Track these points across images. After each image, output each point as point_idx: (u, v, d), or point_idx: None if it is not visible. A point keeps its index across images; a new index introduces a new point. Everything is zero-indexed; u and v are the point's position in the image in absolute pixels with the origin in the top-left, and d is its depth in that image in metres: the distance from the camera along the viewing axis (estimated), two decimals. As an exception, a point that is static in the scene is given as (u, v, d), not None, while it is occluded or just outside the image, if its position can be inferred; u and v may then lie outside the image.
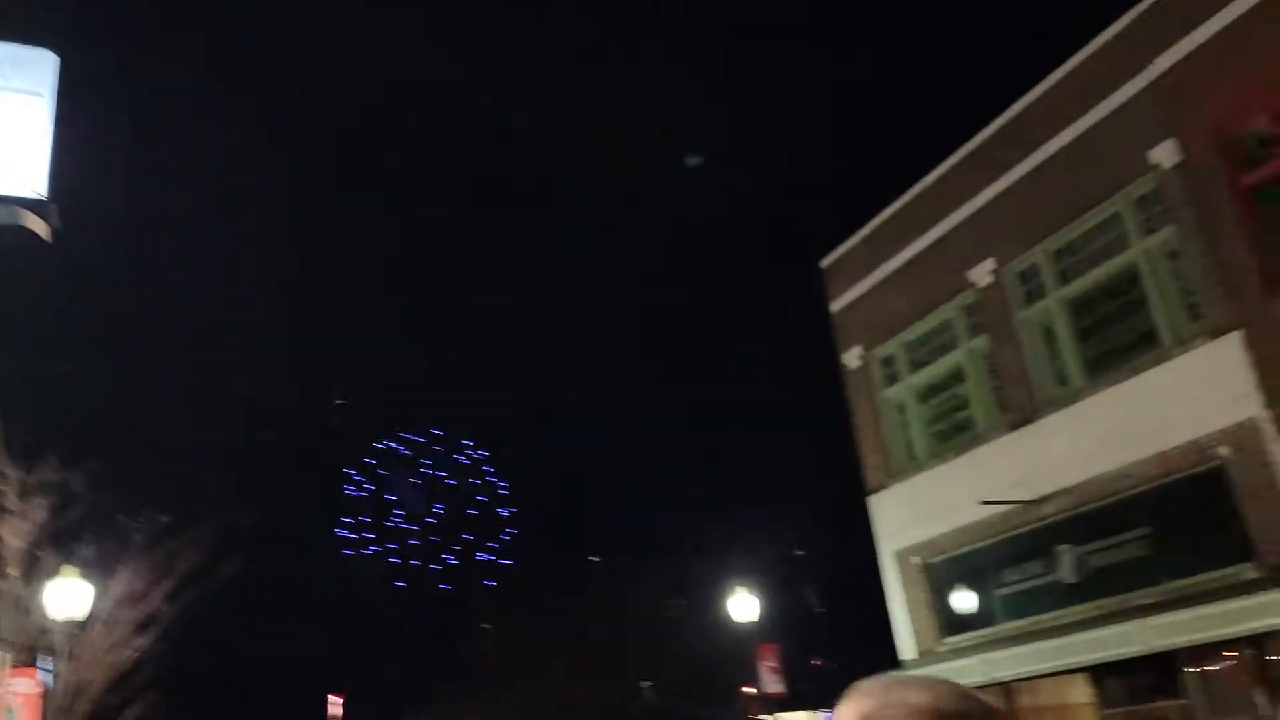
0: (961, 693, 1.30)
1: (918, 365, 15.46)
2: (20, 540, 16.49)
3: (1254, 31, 10.72)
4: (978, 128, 14.47)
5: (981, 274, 14.03)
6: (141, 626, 19.03)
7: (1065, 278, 13.01)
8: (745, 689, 30.28)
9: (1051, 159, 13.15)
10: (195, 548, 19.63)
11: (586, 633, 35.02)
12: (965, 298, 14.41)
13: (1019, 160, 13.59)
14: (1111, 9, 12.51)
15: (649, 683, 35.60)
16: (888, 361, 16.02)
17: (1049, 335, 13.26)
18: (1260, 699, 10.04)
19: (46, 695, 16.26)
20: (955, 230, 14.65)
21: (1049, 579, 12.64)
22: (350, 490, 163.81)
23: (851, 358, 16.59)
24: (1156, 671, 11.12)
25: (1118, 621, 11.34)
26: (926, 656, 14.31)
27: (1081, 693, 12.09)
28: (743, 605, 21.42)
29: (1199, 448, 10.91)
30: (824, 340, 17.49)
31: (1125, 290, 12.29)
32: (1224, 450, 10.68)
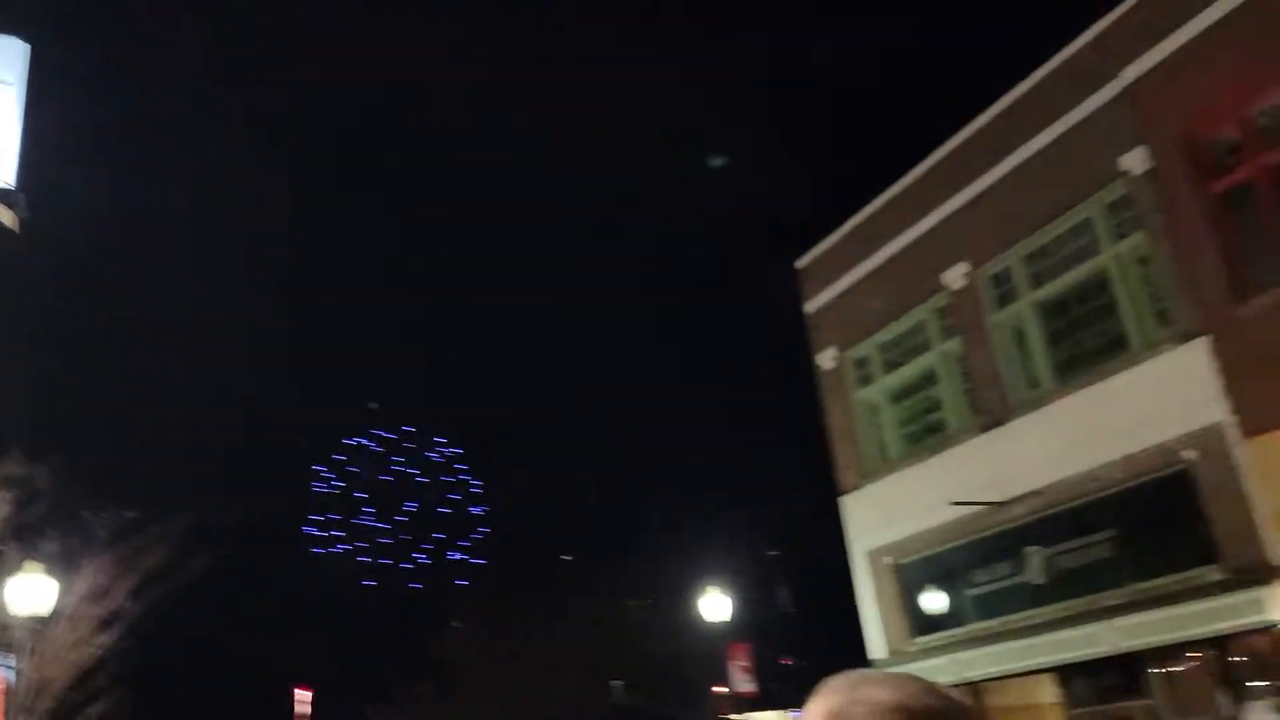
0: (929, 689, 1.29)
1: (891, 366, 15.56)
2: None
3: (1223, 41, 10.88)
4: (952, 132, 14.60)
5: (955, 277, 14.14)
6: (106, 623, 18.79)
7: (1037, 282, 13.14)
8: (716, 688, 30.35)
9: (1025, 164, 13.28)
10: (162, 544, 19.41)
11: (558, 632, 34.97)
12: (939, 300, 14.53)
13: (993, 165, 13.71)
14: (1084, 17, 12.66)
15: (620, 682, 35.60)
16: (862, 362, 16.11)
17: (1020, 338, 13.39)
18: (1222, 699, 10.19)
19: (8, 692, 16.00)
20: (930, 233, 14.76)
21: (1018, 580, 12.77)
22: (319, 487, 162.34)
23: (826, 358, 16.67)
24: (1122, 672, 11.26)
25: (1085, 622, 11.48)
26: (897, 656, 14.41)
27: (1048, 693, 12.22)
28: (714, 605, 21.46)
29: (1165, 451, 11.05)
30: (800, 341, 17.56)
31: (1096, 295, 12.43)
32: (1190, 454, 10.82)
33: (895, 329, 15.39)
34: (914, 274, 14.87)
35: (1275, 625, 9.66)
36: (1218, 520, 10.47)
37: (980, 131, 14.16)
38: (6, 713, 15.96)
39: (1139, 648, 10.83)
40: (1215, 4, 10.96)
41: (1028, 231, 13.10)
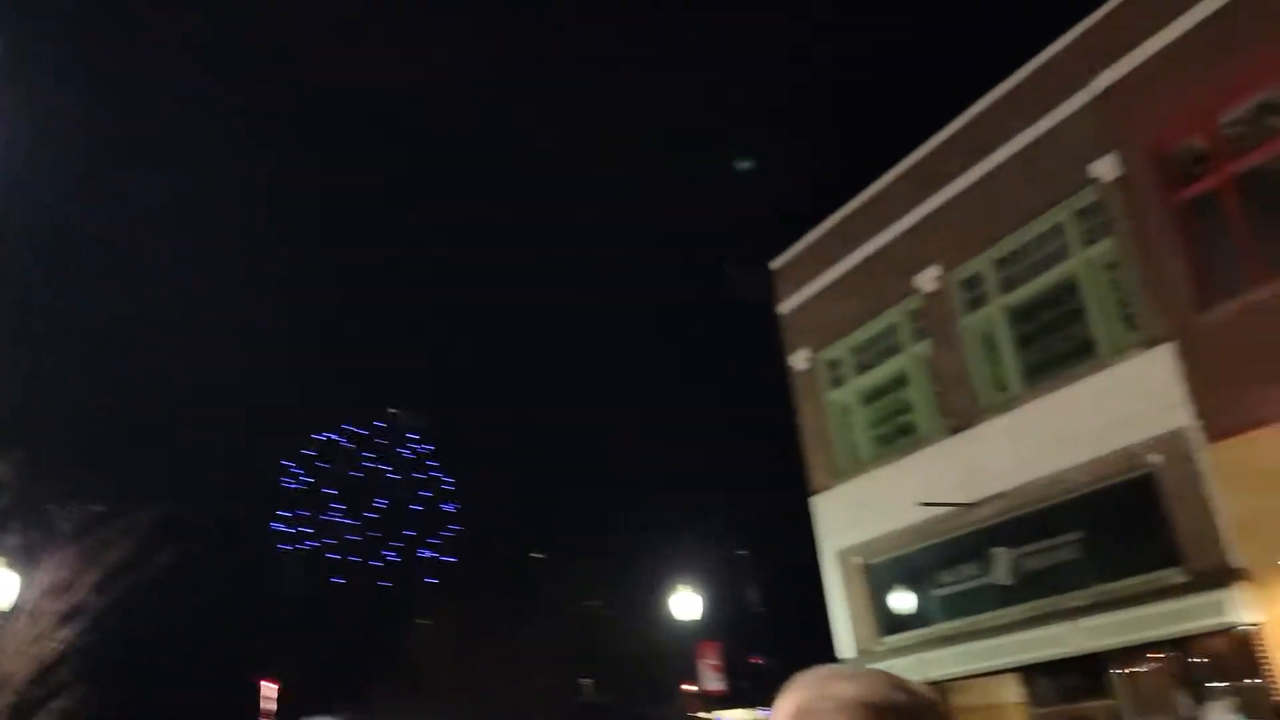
0: (893, 683, 1.30)
1: (863, 368, 15.66)
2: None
3: (1193, 51, 11.04)
4: (926, 136, 14.71)
5: (927, 280, 14.25)
6: (68, 617, 18.53)
7: (1008, 286, 13.27)
8: (686, 686, 30.41)
9: (997, 169, 13.40)
10: (127, 537, 19.16)
11: (528, 630, 34.88)
12: (910, 303, 14.63)
13: (965, 169, 13.83)
14: (1057, 24, 12.80)
15: (590, 680, 35.58)
16: (834, 364, 16.20)
17: (990, 342, 13.51)
18: (1183, 700, 10.35)
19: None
20: (902, 236, 14.86)
21: (984, 581, 12.89)
22: (288, 483, 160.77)
23: (799, 359, 16.75)
24: (1085, 672, 11.40)
25: (1050, 623, 11.61)
26: (865, 655, 14.51)
27: (1013, 692, 12.35)
28: (685, 603, 21.50)
29: (1131, 455, 11.20)
30: (773, 341, 17.62)
31: (1064, 300, 12.57)
32: (1154, 458, 10.97)
33: (868, 331, 15.49)
34: (887, 277, 14.98)
35: (1235, 627, 9.82)
36: (1181, 524, 10.62)
37: (954, 136, 14.27)
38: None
39: (1103, 648, 10.97)
40: (1186, 14, 11.12)
41: (999, 236, 13.23)
